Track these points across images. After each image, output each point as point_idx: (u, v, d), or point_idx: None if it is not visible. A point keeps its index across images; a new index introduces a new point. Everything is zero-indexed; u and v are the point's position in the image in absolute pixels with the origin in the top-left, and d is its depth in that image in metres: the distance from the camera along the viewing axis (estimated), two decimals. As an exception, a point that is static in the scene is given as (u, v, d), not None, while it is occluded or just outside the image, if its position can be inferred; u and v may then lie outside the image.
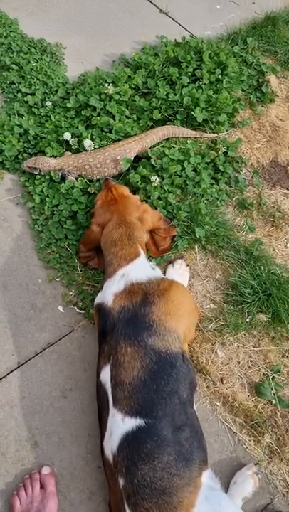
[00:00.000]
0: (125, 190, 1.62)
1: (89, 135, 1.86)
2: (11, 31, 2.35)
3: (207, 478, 1.15)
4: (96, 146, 1.83)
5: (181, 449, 1.11)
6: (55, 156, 1.84)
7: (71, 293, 1.62)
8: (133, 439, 1.11)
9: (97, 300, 1.36)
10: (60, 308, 1.59)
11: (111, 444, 1.14)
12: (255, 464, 1.35)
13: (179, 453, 1.10)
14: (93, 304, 1.56)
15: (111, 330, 1.24)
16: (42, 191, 1.79)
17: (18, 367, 1.48)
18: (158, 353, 1.20)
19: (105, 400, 1.19)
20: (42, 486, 1.28)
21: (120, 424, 1.13)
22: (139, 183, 1.75)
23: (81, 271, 1.65)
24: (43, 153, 1.87)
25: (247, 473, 1.32)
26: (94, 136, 1.86)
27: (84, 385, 1.46)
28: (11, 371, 1.48)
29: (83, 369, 1.49)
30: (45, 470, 1.30)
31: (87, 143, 1.79)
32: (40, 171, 1.77)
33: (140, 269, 1.36)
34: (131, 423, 1.12)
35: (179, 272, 1.62)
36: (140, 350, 1.19)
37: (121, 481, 1.09)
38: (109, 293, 1.31)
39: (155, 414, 1.13)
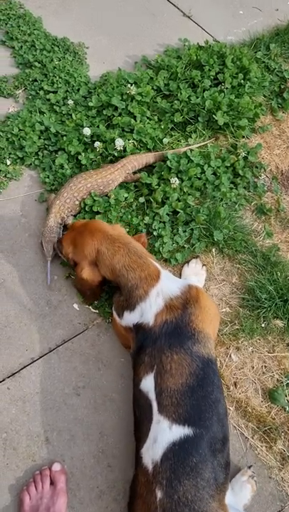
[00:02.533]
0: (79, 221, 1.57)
1: (115, 135, 1.86)
2: (34, 29, 2.36)
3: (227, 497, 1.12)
4: (126, 146, 1.83)
5: (217, 466, 1.07)
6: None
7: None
8: (180, 450, 1.06)
9: (133, 320, 1.30)
10: (76, 305, 1.59)
11: (153, 452, 1.08)
12: (249, 467, 1.34)
13: (215, 470, 1.05)
14: (109, 303, 1.57)
15: (153, 343, 1.22)
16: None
17: (32, 362, 1.48)
18: (202, 360, 1.17)
19: (147, 407, 1.15)
20: (52, 483, 1.28)
21: (167, 432, 1.09)
22: (156, 184, 1.75)
23: (97, 269, 1.65)
24: (64, 150, 1.87)
25: (242, 479, 1.31)
26: (114, 136, 1.86)
27: (97, 383, 1.46)
28: (25, 366, 1.48)
29: (97, 368, 1.48)
30: (56, 467, 1.30)
31: (119, 142, 1.79)
32: (60, 251, 1.59)
33: (170, 283, 1.32)
34: (179, 432, 1.08)
35: (195, 271, 1.62)
36: (187, 357, 1.16)
37: (159, 494, 1.03)
38: (151, 314, 1.26)
39: (203, 423, 1.09)
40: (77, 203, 1.67)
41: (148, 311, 1.26)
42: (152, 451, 1.09)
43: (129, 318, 1.31)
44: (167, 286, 1.30)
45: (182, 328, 1.21)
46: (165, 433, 1.08)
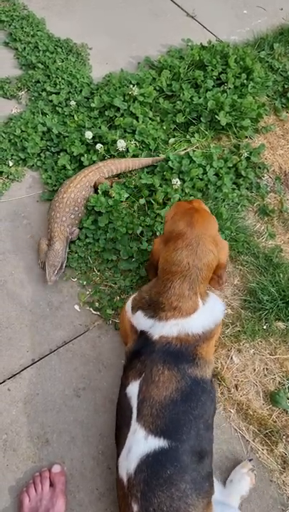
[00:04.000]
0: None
1: (117, 136, 1.86)
2: (38, 30, 2.37)
3: (216, 494, 1.12)
4: (128, 147, 1.83)
5: (196, 477, 1.05)
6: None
7: (87, 292, 1.62)
8: (153, 462, 1.04)
9: (141, 325, 1.25)
10: (77, 307, 1.59)
11: (128, 463, 1.07)
12: (250, 460, 1.33)
13: (195, 481, 1.04)
14: (110, 304, 1.56)
15: (149, 353, 1.19)
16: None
17: (33, 364, 1.48)
18: (194, 379, 1.16)
19: (128, 413, 1.14)
20: (51, 485, 1.27)
21: (142, 443, 1.07)
22: (158, 185, 1.74)
23: (98, 271, 1.65)
24: (66, 151, 1.87)
25: (242, 471, 1.30)
26: (116, 138, 1.86)
27: (98, 385, 1.45)
28: (25, 368, 1.48)
29: (97, 369, 1.48)
30: (56, 468, 1.30)
31: (121, 143, 1.79)
32: (63, 263, 1.60)
33: (198, 322, 1.22)
34: (154, 443, 1.06)
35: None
36: (178, 375, 1.15)
37: (135, 507, 1.02)
38: (158, 333, 1.20)
39: (179, 437, 1.07)
40: (72, 216, 1.66)
41: (158, 329, 1.21)
42: (127, 463, 1.07)
43: (139, 321, 1.27)
44: (191, 325, 1.21)
45: (183, 353, 1.19)
46: (140, 444, 1.07)
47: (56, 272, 1.56)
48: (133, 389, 1.16)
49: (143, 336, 1.24)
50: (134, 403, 1.14)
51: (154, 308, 1.24)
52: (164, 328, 1.20)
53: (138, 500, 1.02)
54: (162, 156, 1.84)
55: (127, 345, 1.34)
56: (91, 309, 1.59)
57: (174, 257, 1.22)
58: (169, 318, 1.21)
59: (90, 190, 1.72)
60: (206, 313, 1.25)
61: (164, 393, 1.12)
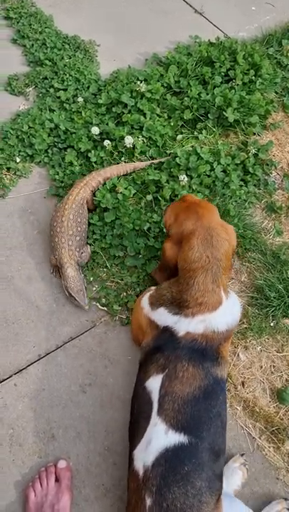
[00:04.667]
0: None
1: (125, 132, 1.85)
2: (46, 27, 2.37)
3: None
4: (135, 144, 1.82)
5: (211, 475, 1.05)
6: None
7: (94, 288, 1.62)
8: (172, 457, 1.03)
9: (165, 321, 1.24)
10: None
11: (145, 455, 1.06)
12: (242, 455, 1.33)
13: (209, 479, 1.04)
14: (117, 300, 1.56)
15: (173, 349, 1.19)
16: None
17: (39, 359, 1.48)
18: (215, 378, 1.16)
19: (147, 407, 1.13)
20: (57, 480, 1.27)
21: (162, 436, 1.06)
22: (165, 181, 1.74)
23: (105, 267, 1.65)
24: (73, 147, 1.87)
25: (234, 465, 1.30)
26: (123, 134, 1.85)
27: (104, 381, 1.45)
28: (32, 363, 1.48)
29: (104, 365, 1.48)
30: (61, 464, 1.30)
31: (129, 140, 1.79)
32: (85, 287, 1.57)
33: (223, 318, 1.22)
34: (174, 438, 1.05)
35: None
36: (202, 373, 1.14)
37: (148, 501, 1.00)
38: (184, 329, 1.20)
39: (200, 434, 1.07)
40: (78, 238, 1.59)
41: (184, 326, 1.20)
42: (144, 455, 1.06)
43: (163, 318, 1.25)
44: (217, 321, 1.21)
45: (208, 351, 1.18)
46: (160, 437, 1.06)
47: (86, 294, 1.54)
48: (154, 383, 1.15)
49: (167, 331, 1.22)
50: (155, 397, 1.13)
51: (179, 305, 1.23)
52: (190, 325, 1.20)
53: (152, 494, 1.01)
54: (145, 163, 1.82)
55: (139, 340, 1.34)
56: (98, 305, 1.58)
57: (192, 256, 1.22)
58: (196, 313, 1.20)
59: (85, 207, 1.68)
60: (230, 309, 1.25)
61: (187, 389, 1.11)
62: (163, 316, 1.25)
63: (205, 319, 1.20)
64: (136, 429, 1.15)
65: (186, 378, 1.13)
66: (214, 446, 1.08)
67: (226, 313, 1.23)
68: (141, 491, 1.03)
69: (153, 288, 1.40)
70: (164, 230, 1.49)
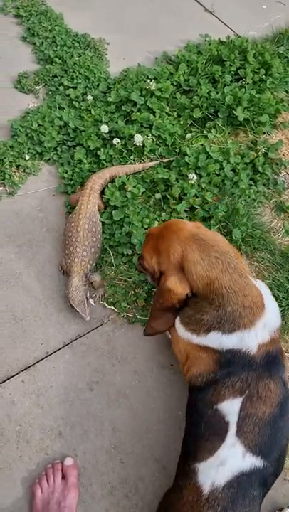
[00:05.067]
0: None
1: (134, 131, 1.85)
2: (55, 25, 2.37)
3: None
4: (145, 142, 1.81)
5: (261, 499, 1.03)
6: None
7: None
8: (246, 481, 1.00)
9: (227, 345, 1.12)
10: (91, 301, 1.59)
11: (217, 474, 1.01)
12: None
13: (260, 504, 1.02)
14: (125, 298, 1.56)
15: (249, 369, 1.09)
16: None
17: (47, 356, 1.49)
18: (285, 385, 1.11)
19: (220, 426, 1.06)
20: (64, 477, 1.27)
21: (239, 459, 1.01)
22: (174, 180, 1.73)
23: (113, 265, 1.65)
24: (82, 145, 1.87)
25: None
26: (133, 132, 1.85)
27: (111, 379, 1.45)
28: (39, 360, 1.48)
29: (111, 363, 1.48)
30: (68, 461, 1.30)
31: (138, 138, 1.78)
32: (88, 298, 1.54)
33: (272, 307, 1.16)
34: (251, 461, 1.01)
35: None
36: (279, 385, 1.09)
37: None
38: (254, 344, 1.10)
39: (272, 457, 1.03)
40: (93, 250, 1.57)
41: (252, 340, 1.10)
42: (215, 473, 1.01)
43: (220, 341, 1.12)
44: (271, 317, 1.14)
45: (279, 358, 1.13)
46: (237, 460, 1.01)
47: (88, 305, 1.51)
48: (232, 406, 1.07)
49: (235, 354, 1.11)
50: (232, 419, 1.06)
51: (231, 323, 1.11)
52: (257, 336, 1.10)
53: None
54: (138, 166, 1.81)
55: (190, 367, 1.21)
56: (105, 303, 1.58)
57: (202, 267, 1.13)
58: (253, 320, 1.10)
59: (97, 214, 1.66)
60: (268, 293, 1.18)
61: (268, 410, 1.05)
62: (221, 340, 1.12)
63: (264, 322, 1.11)
64: (202, 445, 1.08)
65: (269, 397, 1.06)
66: (279, 469, 1.06)
67: (270, 299, 1.16)
68: (201, 507, 0.99)
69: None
70: (152, 280, 1.36)
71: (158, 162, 1.83)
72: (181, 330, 1.23)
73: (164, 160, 1.83)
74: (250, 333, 1.10)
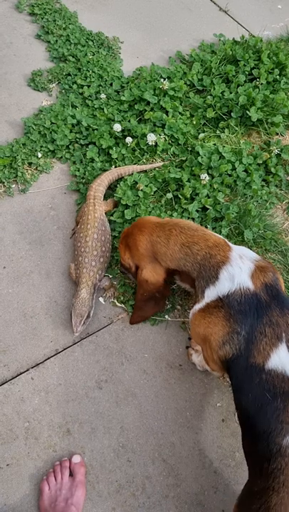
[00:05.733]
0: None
1: (147, 130, 1.85)
2: (70, 24, 2.38)
3: None
4: (157, 141, 1.81)
5: None
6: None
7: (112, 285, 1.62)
8: None
9: (221, 291, 1.14)
10: (101, 299, 1.59)
11: None
12: None
13: None
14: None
15: (266, 309, 1.09)
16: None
17: (56, 354, 1.49)
18: None
19: (286, 383, 1.00)
20: (71, 474, 1.28)
21: None
22: (186, 180, 1.73)
23: (124, 264, 1.65)
24: (95, 143, 1.88)
25: None
26: (146, 131, 1.85)
27: (120, 377, 1.45)
28: (49, 358, 1.49)
29: (120, 362, 1.48)
30: (76, 459, 1.30)
31: (151, 137, 1.78)
32: (90, 312, 1.48)
33: (242, 248, 1.25)
34: None
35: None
36: None
37: None
38: (245, 276, 1.14)
39: None
40: (102, 260, 1.56)
41: (239, 273, 1.13)
42: None
43: (216, 291, 1.15)
44: (242, 250, 1.19)
45: (279, 289, 1.11)
46: None
47: (83, 321, 1.46)
48: (282, 357, 1.03)
49: (235, 297, 1.12)
50: None
51: (210, 267, 1.19)
52: (241, 268, 1.15)
53: None
54: (157, 164, 1.81)
55: (211, 341, 1.17)
56: (116, 301, 1.59)
57: (164, 246, 1.28)
58: (225, 253, 1.19)
59: (106, 222, 1.64)
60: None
61: None
62: (214, 291, 1.16)
63: (238, 253, 1.20)
64: (280, 412, 1.00)
65: None
66: None
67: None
68: None
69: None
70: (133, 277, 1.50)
71: (159, 164, 1.82)
72: (192, 313, 1.24)
73: (159, 164, 1.82)
74: (232, 266, 1.15)
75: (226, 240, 1.26)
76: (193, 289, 1.29)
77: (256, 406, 1.03)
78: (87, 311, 1.46)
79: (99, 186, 1.71)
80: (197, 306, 1.20)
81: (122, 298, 1.59)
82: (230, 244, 1.24)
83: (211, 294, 1.16)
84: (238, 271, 1.14)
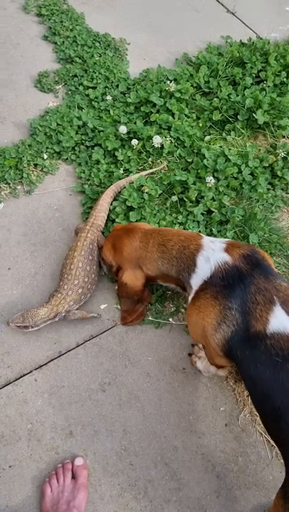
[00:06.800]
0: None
1: (153, 132, 1.84)
2: (77, 25, 2.38)
3: None
4: (163, 144, 1.81)
5: None
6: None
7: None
8: None
9: (204, 275, 1.20)
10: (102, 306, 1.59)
11: None
12: None
13: None
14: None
15: (250, 277, 1.10)
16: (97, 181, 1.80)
17: (60, 356, 1.49)
18: None
19: None
20: (74, 477, 1.28)
21: None
22: (192, 182, 1.72)
23: (128, 266, 1.64)
24: (100, 145, 1.88)
25: None
26: (151, 133, 1.85)
27: (123, 380, 1.45)
28: (52, 359, 1.49)
29: (123, 365, 1.48)
30: (78, 461, 1.30)
31: (157, 139, 1.78)
32: (32, 326, 1.45)
33: (212, 238, 1.30)
34: None
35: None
36: (286, 280, 1.13)
37: None
38: (220, 253, 1.19)
39: None
40: (80, 291, 1.50)
41: (212, 253, 1.19)
42: None
43: (199, 277, 1.19)
44: (212, 238, 1.26)
45: (259, 259, 1.14)
46: None
47: (21, 325, 1.43)
48: (280, 318, 1.03)
49: (216, 275, 1.16)
50: None
51: (186, 257, 1.28)
52: (214, 249, 1.22)
53: None
54: (135, 176, 1.78)
55: (206, 325, 1.16)
56: (118, 306, 1.58)
57: (144, 251, 1.36)
58: (197, 242, 1.28)
59: (95, 251, 1.58)
60: None
61: None
62: (197, 278, 1.21)
63: (209, 239, 1.27)
64: None
65: None
66: None
67: None
68: None
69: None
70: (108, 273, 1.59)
71: (150, 171, 1.81)
72: (188, 308, 1.25)
73: (151, 171, 1.82)
74: (206, 251, 1.22)
75: (200, 233, 1.33)
76: (182, 289, 1.34)
77: (268, 374, 0.98)
78: (31, 323, 1.43)
79: (99, 213, 1.67)
80: (189, 298, 1.24)
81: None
82: (202, 235, 1.31)
83: (196, 281, 1.22)
84: (211, 252, 1.21)
